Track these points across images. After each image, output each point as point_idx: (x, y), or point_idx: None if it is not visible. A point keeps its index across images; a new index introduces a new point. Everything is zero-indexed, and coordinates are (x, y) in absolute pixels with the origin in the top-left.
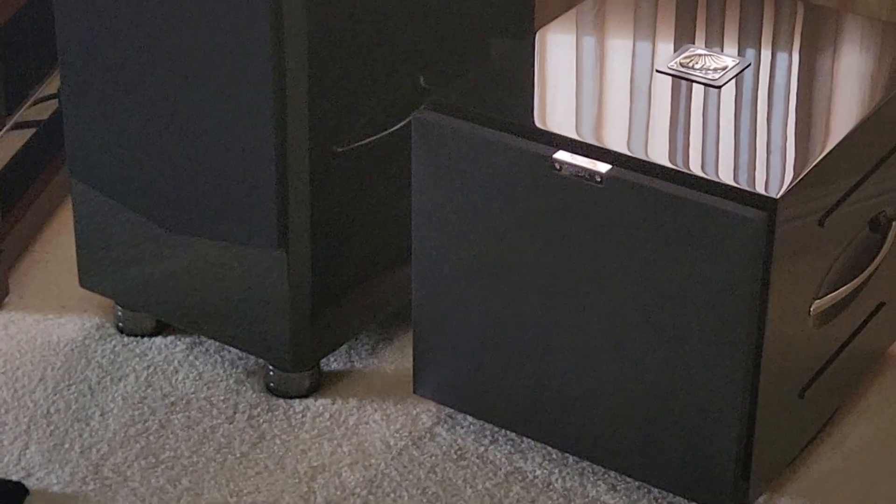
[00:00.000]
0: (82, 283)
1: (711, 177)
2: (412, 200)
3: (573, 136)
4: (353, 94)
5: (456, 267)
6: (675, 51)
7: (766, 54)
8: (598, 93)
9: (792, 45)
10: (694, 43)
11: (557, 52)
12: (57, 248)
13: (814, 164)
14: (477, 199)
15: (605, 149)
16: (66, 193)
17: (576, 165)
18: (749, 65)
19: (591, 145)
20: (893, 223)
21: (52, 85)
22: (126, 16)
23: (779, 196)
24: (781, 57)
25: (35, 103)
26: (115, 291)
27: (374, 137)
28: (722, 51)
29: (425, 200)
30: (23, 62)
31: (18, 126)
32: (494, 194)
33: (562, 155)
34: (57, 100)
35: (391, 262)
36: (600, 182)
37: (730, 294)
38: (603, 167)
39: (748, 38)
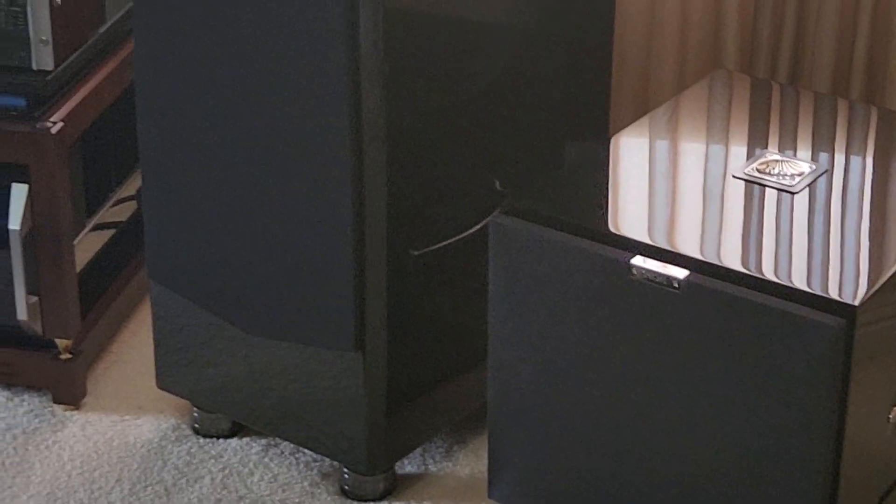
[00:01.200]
0: (159, 385)
1: (789, 283)
2: (488, 303)
3: (649, 241)
4: (430, 197)
5: (532, 370)
6: (748, 156)
7: (840, 159)
8: (672, 198)
9: (866, 149)
10: (767, 148)
11: (632, 157)
12: (134, 349)
13: (892, 270)
14: (553, 303)
15: (682, 254)
16: (144, 295)
17: (652, 271)
18: (825, 171)
19: (667, 251)
20: None
21: (131, 186)
22: (207, 121)
23: (858, 303)
24: (856, 162)
25: (115, 204)
26: (191, 393)
27: (450, 241)
28: (795, 156)
29: (501, 303)
30: (104, 164)
31: (99, 227)
32: (570, 298)
33: (638, 260)
34: (136, 201)
35: (466, 365)
36: (677, 288)
37: (808, 400)
38: (680, 273)
39: (822, 144)
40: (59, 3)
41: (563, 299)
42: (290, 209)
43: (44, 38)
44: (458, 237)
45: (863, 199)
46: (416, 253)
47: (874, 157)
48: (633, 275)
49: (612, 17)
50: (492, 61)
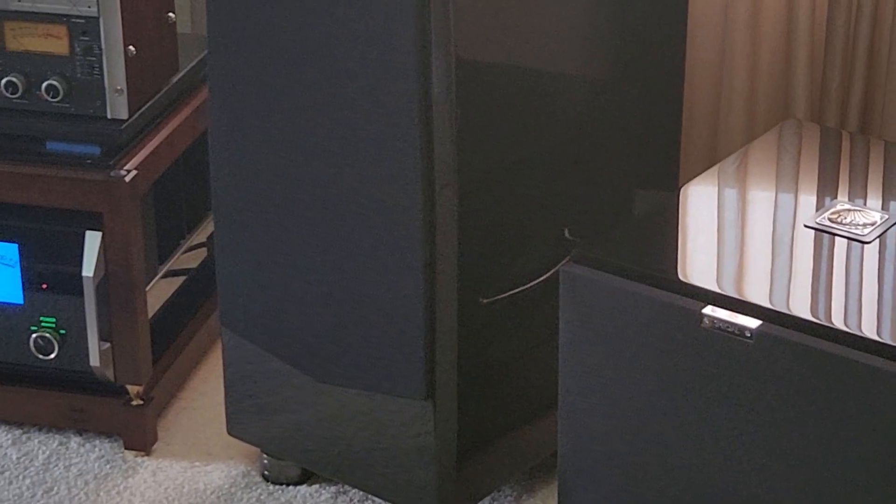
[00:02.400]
0: (230, 431)
1: (864, 333)
2: (559, 351)
3: (719, 290)
4: (500, 245)
5: (602, 419)
6: (818, 205)
7: None
8: (742, 247)
9: None
10: (837, 197)
11: (701, 206)
12: (204, 395)
13: None
14: (624, 352)
15: (753, 303)
16: (214, 341)
17: (724, 321)
18: None
19: (738, 300)
20: None
21: (203, 233)
22: (281, 168)
23: None
24: None
25: (186, 251)
26: (261, 440)
27: (520, 289)
28: (866, 205)
29: (572, 351)
30: (176, 211)
31: (170, 274)
32: (642, 347)
33: (710, 310)
34: (207, 248)
35: (537, 413)
36: (750, 338)
37: (886, 450)
38: (753, 323)
39: (893, 193)
40: (134, 52)
41: (634, 349)
42: (362, 256)
43: (119, 87)
44: (527, 285)
45: None
46: (485, 301)
47: None
48: (704, 324)
49: (682, 66)
50: (563, 111)
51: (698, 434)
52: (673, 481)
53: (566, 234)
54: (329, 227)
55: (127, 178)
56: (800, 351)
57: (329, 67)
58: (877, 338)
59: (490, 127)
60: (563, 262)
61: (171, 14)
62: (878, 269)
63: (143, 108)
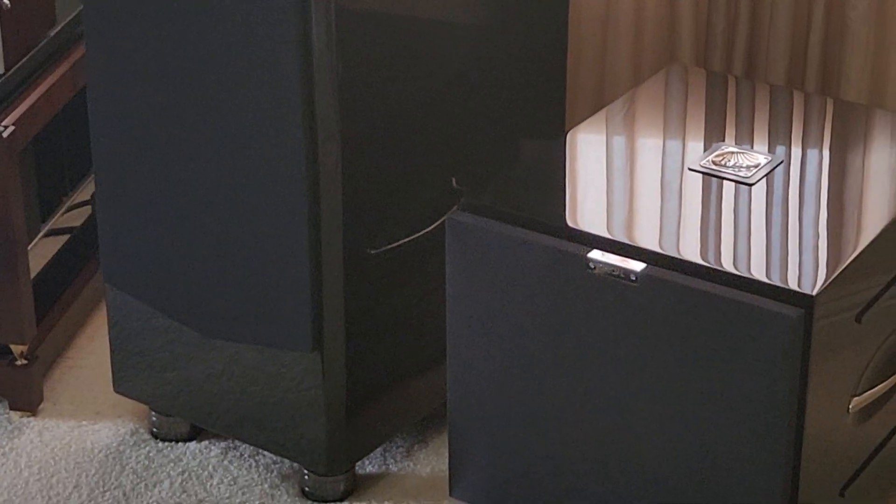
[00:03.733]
0: (116, 389)
1: (747, 274)
2: (447, 301)
3: (606, 235)
4: (386, 195)
5: (491, 367)
6: (705, 149)
7: (796, 151)
8: (629, 192)
9: (822, 141)
10: (724, 140)
11: (588, 152)
12: (91, 354)
13: (849, 260)
14: (511, 299)
15: (639, 247)
16: (100, 299)
17: (610, 265)
18: (781, 162)
19: (624, 244)
20: None
21: (85, 192)
22: (161, 123)
23: (815, 293)
24: (812, 153)
25: (68, 210)
26: (149, 397)
27: (408, 239)
28: (752, 148)
29: (460, 301)
30: (56, 170)
31: (52, 233)
32: (529, 294)
33: (596, 254)
34: (90, 206)
35: (426, 364)
36: (635, 281)
37: (767, 391)
38: (637, 266)
39: (779, 136)
40: (8, 5)
41: (522, 295)
42: (246, 210)
43: None
44: (415, 235)
45: (819, 190)
46: (373, 252)
47: (830, 149)
48: (591, 269)
49: (566, 12)
50: (447, 59)
51: (586, 378)
52: (561, 424)
53: (454, 183)
54: (212, 181)
55: (4, 134)
56: (685, 293)
57: (207, 18)
58: (764, 279)
59: (373, 77)
60: (451, 211)
61: None
62: (764, 211)
63: (20, 63)
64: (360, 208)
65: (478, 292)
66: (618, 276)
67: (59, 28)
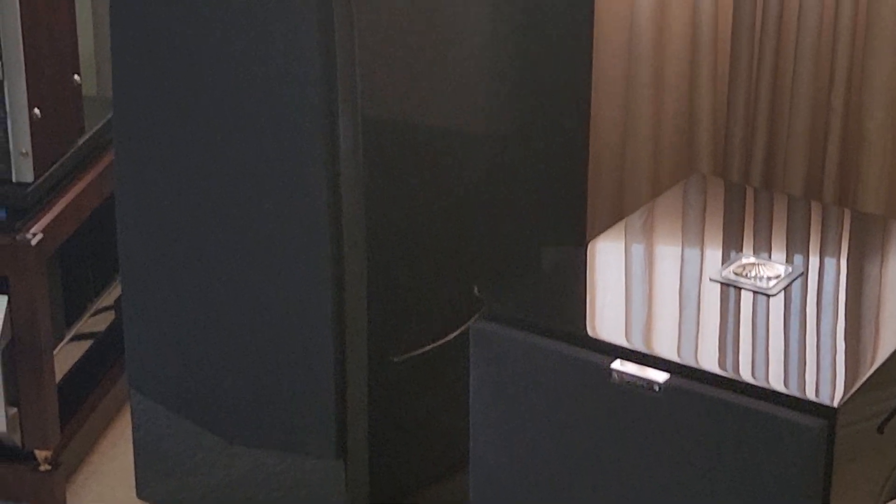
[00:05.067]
0: (139, 494)
1: (769, 385)
2: (470, 408)
3: (628, 345)
4: (410, 303)
5: (514, 474)
6: (725, 259)
7: (815, 261)
8: (650, 302)
9: (840, 251)
10: (743, 251)
11: (609, 261)
12: (114, 459)
13: (870, 371)
14: (534, 407)
15: (661, 357)
16: (123, 404)
17: (633, 375)
18: (800, 273)
19: (647, 354)
20: None
21: (110, 296)
22: (188, 231)
23: (837, 404)
24: (830, 264)
25: (94, 314)
26: (172, 502)
27: (430, 346)
28: (771, 258)
29: (483, 408)
30: (82, 274)
31: (77, 337)
32: (551, 402)
33: (619, 364)
34: (114, 311)
35: (449, 470)
36: (658, 391)
37: (790, 501)
38: (661, 376)
39: (797, 246)
40: (39, 115)
41: (544, 403)
42: (270, 317)
43: (24, 150)
44: (438, 343)
45: (838, 301)
46: (396, 360)
47: (848, 259)
48: (613, 378)
49: (587, 122)
50: (469, 168)
51: (608, 486)
52: None
53: (475, 290)
54: (237, 288)
55: (33, 242)
56: (707, 403)
57: (236, 131)
58: (785, 390)
59: (397, 185)
60: (473, 318)
61: (76, 76)
62: (784, 322)
63: (49, 171)
64: (383, 316)
65: (501, 399)
66: (641, 386)
67: (88, 136)
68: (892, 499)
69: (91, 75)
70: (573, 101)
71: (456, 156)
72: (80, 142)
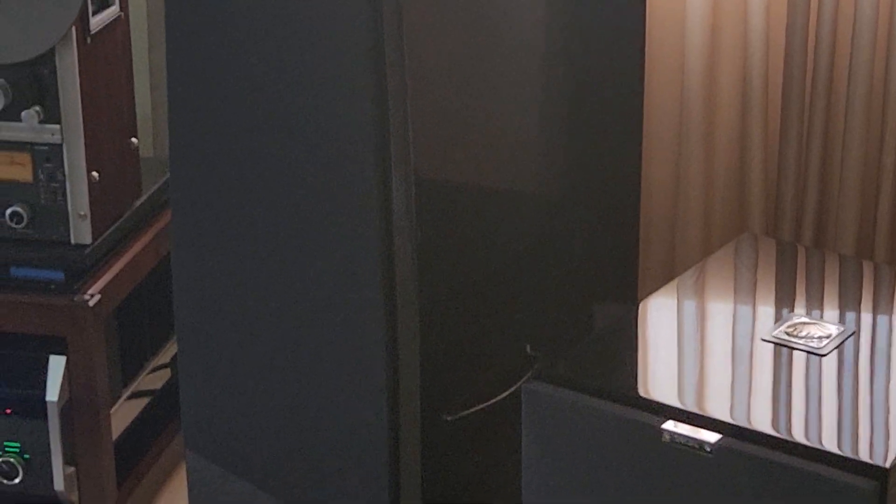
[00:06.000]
0: None
1: (820, 446)
2: (522, 467)
3: (679, 405)
4: (462, 362)
5: None
6: (776, 319)
7: (867, 320)
8: (701, 362)
9: (893, 310)
10: (794, 311)
11: (660, 321)
12: None
13: None
14: (586, 467)
15: (713, 418)
16: (179, 462)
17: (685, 435)
18: (853, 332)
19: (698, 415)
20: None
21: (166, 354)
22: (244, 292)
23: (889, 465)
24: (883, 322)
25: (150, 372)
26: None
27: (483, 405)
28: (823, 318)
29: (535, 467)
30: (139, 333)
31: (134, 396)
32: (603, 462)
33: (670, 425)
34: (170, 369)
35: None
36: (710, 452)
37: None
38: (712, 437)
39: (849, 305)
40: (97, 178)
41: (596, 463)
42: (324, 377)
43: (82, 212)
44: (490, 402)
45: (890, 360)
46: (449, 418)
47: None
48: (664, 439)
49: (638, 183)
50: (522, 227)
51: None
52: None
53: (528, 349)
54: (291, 350)
55: (90, 303)
56: (759, 464)
57: (291, 193)
58: (837, 451)
59: (450, 244)
60: (525, 378)
61: (133, 139)
62: (836, 382)
63: (107, 233)
64: (436, 374)
65: (552, 459)
66: (692, 447)
67: (145, 198)
68: None
69: (148, 136)
70: (624, 161)
71: (508, 216)
72: (138, 203)
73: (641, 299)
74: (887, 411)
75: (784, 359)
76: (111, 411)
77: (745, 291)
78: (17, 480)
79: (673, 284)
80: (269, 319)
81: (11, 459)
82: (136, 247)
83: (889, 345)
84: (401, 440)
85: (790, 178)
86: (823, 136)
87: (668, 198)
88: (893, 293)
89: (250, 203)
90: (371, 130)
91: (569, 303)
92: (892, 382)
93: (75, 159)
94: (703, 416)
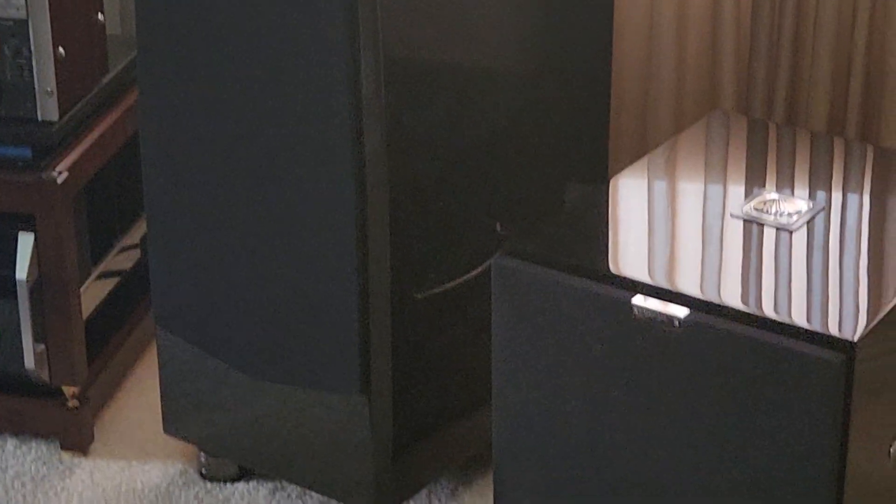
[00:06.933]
0: (166, 430)
1: (789, 320)
2: (492, 344)
3: (649, 280)
4: (432, 240)
5: (536, 410)
6: (747, 195)
7: (837, 197)
8: (672, 238)
9: (862, 187)
10: (765, 187)
11: (631, 197)
12: (140, 395)
13: (891, 305)
14: (556, 342)
15: (682, 293)
16: (150, 341)
17: (654, 310)
18: (822, 208)
19: (667, 290)
20: None
21: (135, 234)
22: (211, 168)
23: (857, 339)
24: (853, 199)
25: (120, 252)
26: (198, 438)
27: (453, 283)
28: (793, 194)
29: (505, 343)
30: (108, 212)
31: (103, 275)
32: (573, 337)
33: (639, 300)
34: (140, 249)
35: (472, 406)
36: (678, 326)
37: (809, 435)
38: (681, 312)
39: (819, 182)
40: (64, 54)
41: (566, 339)
42: (294, 255)
43: (49, 89)
44: (460, 279)
45: (860, 236)
46: (419, 296)
47: (870, 195)
48: (634, 314)
49: (609, 60)
50: (493, 106)
51: (629, 422)
52: (605, 467)
53: (498, 227)
54: (262, 227)
55: (59, 180)
56: (728, 338)
57: (259, 69)
58: (805, 325)
59: (420, 124)
60: (496, 255)
61: (100, 15)
62: (806, 257)
63: (74, 110)
64: (406, 253)
65: (523, 335)
66: (661, 322)
67: (112, 75)
68: None
69: (115, 13)
70: (596, 39)
71: (479, 94)
72: (105, 80)
73: (612, 177)
74: (856, 286)
75: (754, 235)
76: (81, 289)
77: (716, 168)
78: None
79: (644, 161)
80: (238, 198)
81: None
82: (104, 124)
83: (858, 221)
84: (371, 318)
85: (762, 56)
86: (795, 13)
87: (639, 76)
88: (863, 170)
89: (218, 79)
90: (340, 8)
91: (539, 181)
92: (860, 258)
93: (41, 35)
94: (672, 292)
